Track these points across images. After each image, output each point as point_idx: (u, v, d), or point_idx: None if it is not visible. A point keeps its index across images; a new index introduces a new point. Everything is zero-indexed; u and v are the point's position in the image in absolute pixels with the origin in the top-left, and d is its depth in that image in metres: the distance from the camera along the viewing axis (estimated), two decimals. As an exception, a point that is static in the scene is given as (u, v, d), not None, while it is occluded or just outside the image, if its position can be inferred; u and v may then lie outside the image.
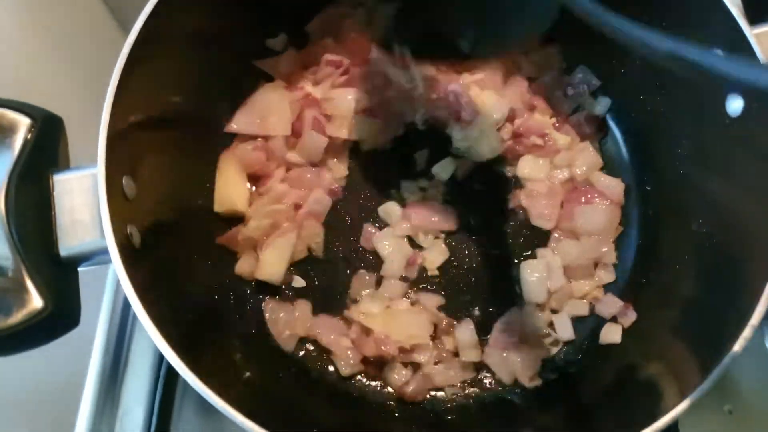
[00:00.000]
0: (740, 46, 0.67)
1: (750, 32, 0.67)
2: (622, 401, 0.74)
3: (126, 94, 0.66)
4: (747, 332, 0.59)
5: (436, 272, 0.89)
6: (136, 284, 0.60)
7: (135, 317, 0.90)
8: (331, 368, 0.85)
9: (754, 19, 0.75)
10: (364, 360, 0.83)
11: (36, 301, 0.60)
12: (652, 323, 0.81)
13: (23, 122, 0.65)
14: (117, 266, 0.60)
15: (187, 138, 0.82)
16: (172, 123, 0.78)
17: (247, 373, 0.77)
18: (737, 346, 0.59)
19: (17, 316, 0.60)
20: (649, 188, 0.91)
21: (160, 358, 0.89)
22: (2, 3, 0.95)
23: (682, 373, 0.66)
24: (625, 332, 0.83)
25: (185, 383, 0.60)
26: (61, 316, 0.63)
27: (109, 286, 0.92)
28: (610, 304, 0.85)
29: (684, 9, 0.74)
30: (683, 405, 0.59)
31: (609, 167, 0.93)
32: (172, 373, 0.87)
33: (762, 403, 0.88)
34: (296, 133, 0.90)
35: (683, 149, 0.83)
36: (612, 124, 0.96)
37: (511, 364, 0.83)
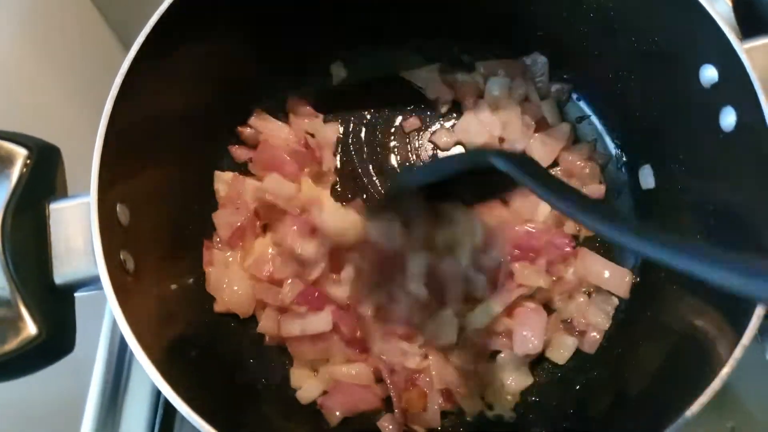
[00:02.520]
0: (732, 62, 0.67)
1: (741, 47, 0.66)
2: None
3: (119, 122, 0.67)
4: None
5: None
6: (128, 313, 0.61)
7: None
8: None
9: (745, 35, 0.75)
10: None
11: (30, 328, 0.62)
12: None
13: (20, 153, 0.67)
14: (108, 294, 0.61)
15: (181, 165, 0.83)
16: (167, 151, 0.79)
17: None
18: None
19: (12, 344, 0.61)
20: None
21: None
22: (9, 21, 0.97)
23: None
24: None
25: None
26: (56, 342, 0.64)
27: (108, 310, 0.93)
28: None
29: (676, 25, 0.74)
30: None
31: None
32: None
33: (765, 420, 0.86)
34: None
35: (680, 164, 0.82)
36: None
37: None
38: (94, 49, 1.19)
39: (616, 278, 0.88)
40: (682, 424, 0.58)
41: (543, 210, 0.91)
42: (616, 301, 0.88)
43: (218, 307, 0.85)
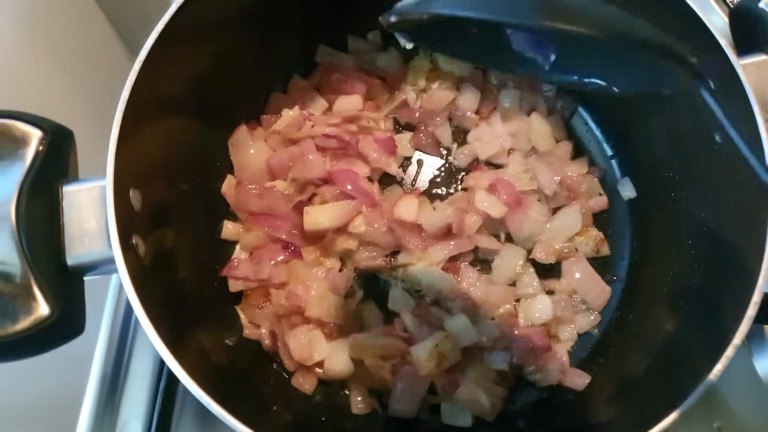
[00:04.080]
0: (729, 77, 0.70)
1: (738, 63, 0.70)
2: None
3: (135, 109, 0.68)
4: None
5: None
6: (141, 293, 0.62)
7: (136, 328, 0.93)
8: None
9: (741, 51, 0.78)
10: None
11: (42, 308, 0.62)
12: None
13: (35, 134, 0.67)
14: (122, 275, 0.62)
15: (191, 151, 0.84)
16: (178, 140, 0.80)
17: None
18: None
19: (24, 323, 0.61)
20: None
21: (160, 369, 0.90)
22: (15, 22, 0.98)
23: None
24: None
25: (185, 394, 0.61)
26: (67, 323, 0.64)
27: (111, 295, 0.93)
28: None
29: (677, 39, 0.77)
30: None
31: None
32: (171, 384, 0.89)
33: (750, 421, 0.90)
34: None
35: (674, 172, 0.85)
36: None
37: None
38: (97, 46, 1.19)
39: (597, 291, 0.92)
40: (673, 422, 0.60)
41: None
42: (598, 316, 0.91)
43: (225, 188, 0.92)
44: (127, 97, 0.68)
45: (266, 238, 0.92)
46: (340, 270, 0.93)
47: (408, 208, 0.92)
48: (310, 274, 0.91)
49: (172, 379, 0.89)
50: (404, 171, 1.00)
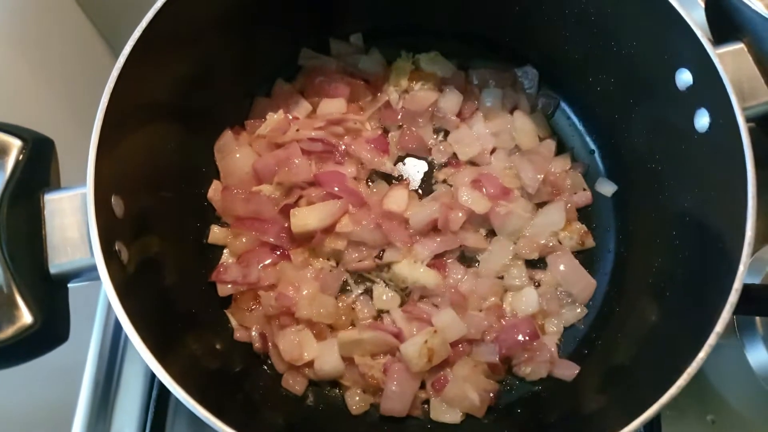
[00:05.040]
0: (705, 66, 0.70)
1: (714, 52, 0.70)
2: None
3: (116, 115, 0.68)
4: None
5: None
6: (125, 301, 0.62)
7: (127, 336, 0.92)
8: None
9: (717, 40, 0.79)
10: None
11: (26, 317, 0.62)
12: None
13: (15, 144, 0.68)
14: (105, 282, 0.62)
15: (175, 157, 0.85)
16: (161, 146, 0.81)
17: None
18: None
19: (7, 332, 0.61)
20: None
21: (152, 377, 0.90)
22: None
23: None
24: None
25: (177, 403, 0.61)
26: (50, 331, 0.65)
27: (101, 302, 0.93)
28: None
29: (652, 32, 0.78)
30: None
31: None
32: (164, 390, 0.88)
33: (743, 413, 0.90)
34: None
35: (656, 163, 0.86)
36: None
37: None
38: (80, 51, 1.19)
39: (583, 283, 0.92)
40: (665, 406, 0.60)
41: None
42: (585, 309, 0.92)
43: (211, 193, 0.93)
44: (106, 104, 0.68)
45: (254, 242, 0.93)
46: (331, 270, 0.93)
47: (397, 200, 0.93)
48: (299, 275, 0.91)
49: (165, 385, 0.89)
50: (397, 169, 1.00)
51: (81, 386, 0.89)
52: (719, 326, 0.61)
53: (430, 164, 1.01)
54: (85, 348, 0.91)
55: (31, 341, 0.62)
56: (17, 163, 0.67)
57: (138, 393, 0.90)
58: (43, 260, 0.66)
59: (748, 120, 0.68)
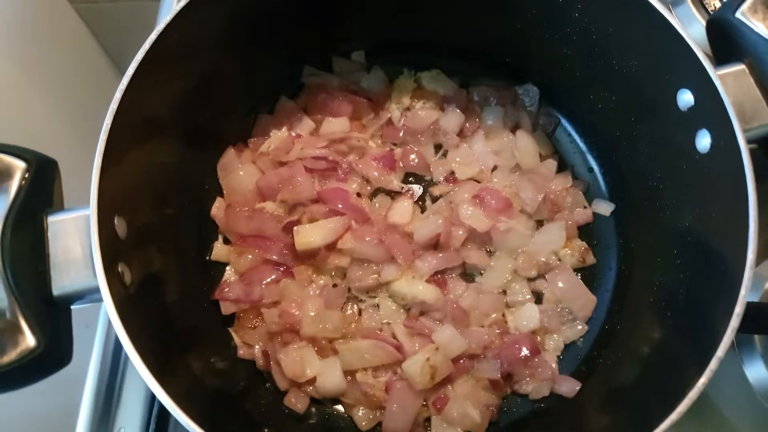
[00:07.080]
0: (707, 87, 0.70)
1: (715, 73, 0.70)
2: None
3: (120, 136, 0.68)
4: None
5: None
6: (127, 322, 0.62)
7: (127, 355, 0.92)
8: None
9: (718, 61, 0.79)
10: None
11: (29, 340, 0.62)
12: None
13: (18, 166, 0.68)
14: (107, 304, 0.62)
15: (177, 175, 0.85)
16: (165, 164, 0.81)
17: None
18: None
19: (11, 355, 0.61)
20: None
21: (153, 396, 0.90)
22: None
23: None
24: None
25: (177, 422, 0.61)
26: (54, 354, 0.65)
27: (102, 318, 0.93)
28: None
29: (653, 51, 0.78)
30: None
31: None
32: (164, 411, 0.88)
33: (742, 428, 0.89)
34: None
35: (657, 182, 0.86)
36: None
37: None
38: (85, 69, 1.19)
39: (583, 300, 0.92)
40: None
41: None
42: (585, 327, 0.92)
43: (215, 211, 0.93)
44: (109, 126, 0.68)
45: (257, 260, 0.93)
46: (335, 286, 0.93)
47: (401, 212, 0.94)
48: (303, 292, 0.91)
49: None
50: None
51: (81, 404, 0.88)
52: (720, 351, 0.61)
53: (430, 182, 1.01)
54: (86, 363, 0.91)
55: (35, 364, 0.62)
56: (21, 185, 0.67)
57: (139, 407, 0.89)
58: (46, 283, 0.66)
59: (749, 141, 0.68)
